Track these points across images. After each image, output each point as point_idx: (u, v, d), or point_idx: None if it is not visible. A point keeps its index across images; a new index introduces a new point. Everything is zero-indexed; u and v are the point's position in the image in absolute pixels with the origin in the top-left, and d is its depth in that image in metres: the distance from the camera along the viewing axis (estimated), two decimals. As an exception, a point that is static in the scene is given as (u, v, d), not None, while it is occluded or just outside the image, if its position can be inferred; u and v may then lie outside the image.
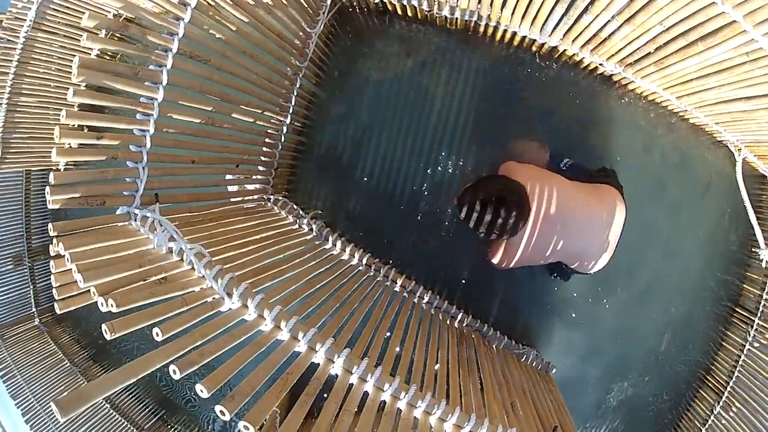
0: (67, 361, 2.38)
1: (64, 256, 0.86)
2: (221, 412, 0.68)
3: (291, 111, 1.63)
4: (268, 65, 1.46)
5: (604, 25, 1.35)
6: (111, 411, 2.26)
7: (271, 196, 1.61)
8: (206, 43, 1.18)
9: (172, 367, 0.71)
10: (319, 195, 1.82)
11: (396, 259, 1.70)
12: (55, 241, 0.89)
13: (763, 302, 1.84)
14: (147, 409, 2.30)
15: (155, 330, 0.77)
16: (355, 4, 1.74)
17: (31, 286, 2.49)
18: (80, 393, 0.63)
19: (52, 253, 0.91)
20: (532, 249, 1.41)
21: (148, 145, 1.09)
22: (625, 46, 1.43)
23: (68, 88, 2.27)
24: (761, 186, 1.88)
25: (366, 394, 0.88)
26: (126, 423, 2.24)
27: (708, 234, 1.87)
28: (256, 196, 1.56)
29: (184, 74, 1.12)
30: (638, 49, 1.42)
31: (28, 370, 2.29)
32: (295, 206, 1.62)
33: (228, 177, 1.46)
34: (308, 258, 1.33)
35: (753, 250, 1.87)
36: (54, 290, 0.94)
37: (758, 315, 1.84)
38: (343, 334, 1.02)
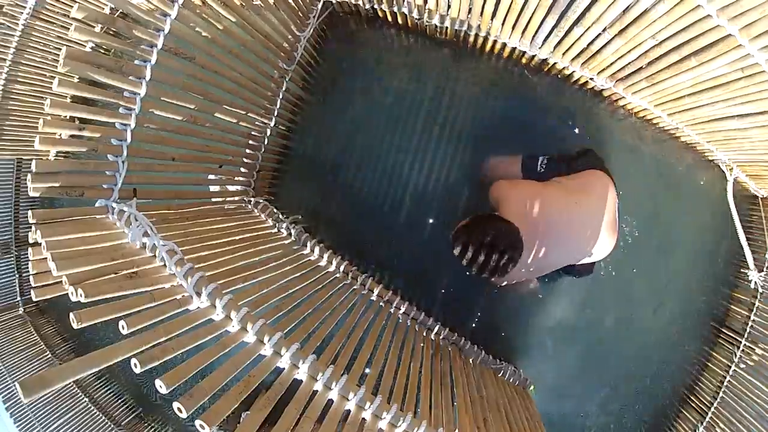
0: (48, 352, 2.40)
1: (41, 243, 0.87)
2: (178, 408, 0.68)
3: (276, 114, 1.63)
4: (253, 66, 1.47)
5: (595, 38, 1.35)
6: (89, 405, 2.26)
7: (252, 199, 1.61)
8: (192, 41, 1.19)
9: (133, 361, 0.71)
10: (300, 200, 1.82)
11: (374, 268, 1.71)
12: (33, 228, 0.91)
13: (750, 323, 1.83)
14: (125, 405, 2.30)
15: (121, 323, 0.77)
16: (346, 9, 1.75)
17: (17, 275, 2.50)
18: (42, 376, 0.64)
19: (30, 241, 0.93)
20: (533, 269, 1.41)
21: (129, 139, 1.10)
22: (616, 61, 1.42)
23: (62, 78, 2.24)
24: (752, 206, 1.87)
25: (330, 402, 0.87)
26: (104, 418, 2.24)
27: (697, 253, 1.86)
28: (236, 198, 1.56)
29: (168, 71, 1.13)
30: (629, 63, 1.41)
31: (10, 358, 2.31)
32: (275, 210, 1.62)
33: (210, 177, 1.46)
34: (284, 262, 1.32)
35: (741, 270, 1.86)
36: (30, 277, 0.95)
37: (745, 336, 1.82)
38: (312, 340, 1.02)
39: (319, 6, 1.63)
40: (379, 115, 1.76)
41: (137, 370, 0.71)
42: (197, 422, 0.68)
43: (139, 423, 2.28)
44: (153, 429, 2.25)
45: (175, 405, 0.69)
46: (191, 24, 1.17)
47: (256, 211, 1.58)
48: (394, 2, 1.55)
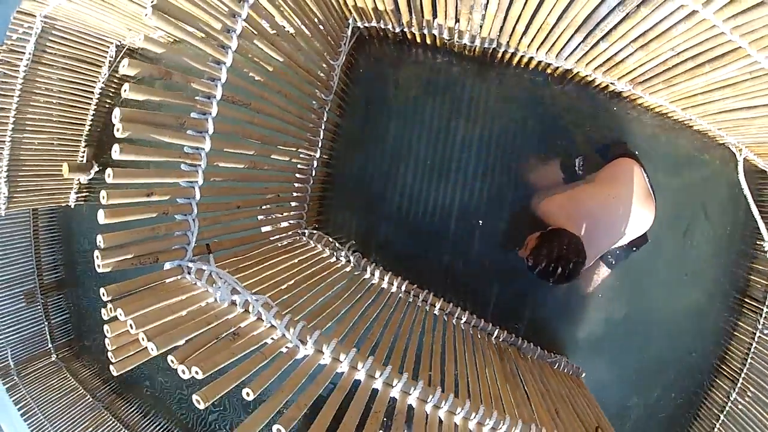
0: (89, 396, 2.41)
1: (119, 318, 0.86)
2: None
3: (320, 145, 1.68)
4: (298, 102, 1.51)
5: (619, 50, 1.44)
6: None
7: (306, 231, 1.67)
8: (245, 86, 1.20)
9: (275, 427, 0.76)
10: (350, 225, 1.91)
11: (428, 283, 1.78)
12: (110, 306, 0.90)
13: (770, 291, 1.97)
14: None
15: (245, 390, 0.81)
16: (373, 33, 1.80)
17: (46, 323, 2.51)
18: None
19: (105, 317, 0.91)
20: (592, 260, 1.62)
21: (198, 196, 1.11)
22: (636, 68, 1.52)
23: (71, 122, 2.29)
24: (762, 181, 2.01)
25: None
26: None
27: (715, 230, 1.99)
28: (290, 232, 1.61)
29: (228, 120, 1.14)
30: (649, 70, 1.51)
31: (48, 407, 2.31)
32: (330, 239, 1.68)
33: (269, 217, 1.51)
34: (355, 291, 1.41)
35: (758, 242, 1.99)
36: (110, 353, 0.92)
37: (766, 303, 1.97)
38: (406, 363, 1.11)
39: (349, 32, 1.68)
40: (415, 133, 1.85)
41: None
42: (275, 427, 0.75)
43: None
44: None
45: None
46: (245, 70, 1.19)
47: (311, 242, 1.64)
48: (425, 24, 1.61)
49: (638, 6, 1.21)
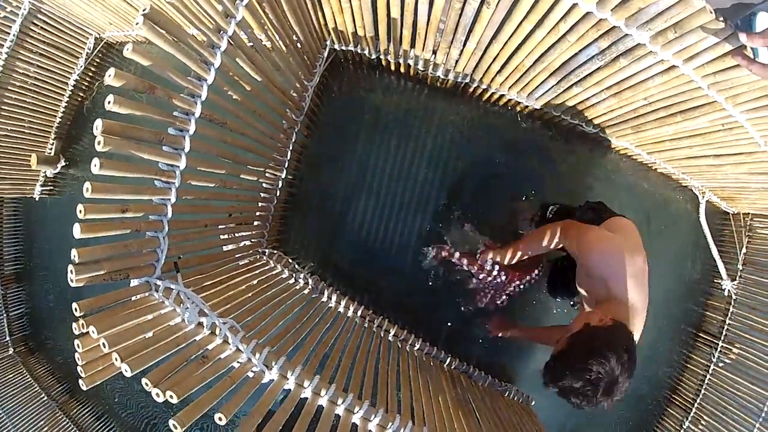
0: (44, 394, 2.40)
1: (89, 334, 0.88)
2: None
3: (286, 165, 1.71)
4: (271, 122, 1.54)
5: (591, 96, 1.50)
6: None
7: (266, 250, 1.69)
8: (224, 105, 1.22)
9: None
10: (309, 246, 1.94)
11: (383, 308, 1.85)
12: (82, 321, 0.91)
13: (726, 326, 2.09)
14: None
15: (217, 415, 0.86)
16: (349, 57, 1.83)
17: (5, 315, 2.47)
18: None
19: (75, 332, 0.93)
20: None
21: (170, 213, 1.12)
22: (606, 113, 1.58)
23: (43, 112, 2.22)
24: (723, 221, 2.13)
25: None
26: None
27: (674, 268, 2.10)
28: (251, 251, 1.63)
29: (204, 139, 1.15)
30: (619, 116, 1.58)
31: (7, 402, 2.31)
32: (290, 260, 1.72)
33: (232, 236, 1.53)
34: (313, 315, 1.46)
35: (715, 281, 2.12)
36: (79, 368, 0.95)
37: (722, 338, 2.09)
38: (365, 389, 1.17)
39: (325, 54, 1.70)
40: (380, 160, 1.89)
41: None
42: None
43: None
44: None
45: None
46: (224, 88, 1.21)
47: (271, 262, 1.66)
48: (402, 54, 1.65)
49: (618, 57, 1.25)
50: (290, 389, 1.01)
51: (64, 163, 2.34)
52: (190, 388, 0.87)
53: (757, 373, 1.95)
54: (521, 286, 1.75)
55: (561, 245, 1.40)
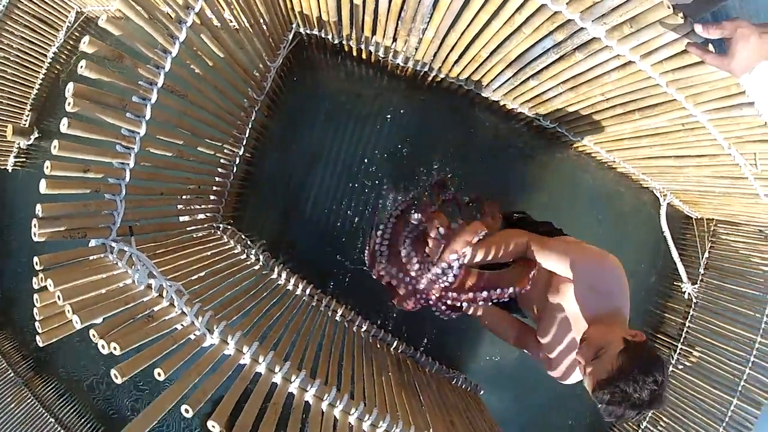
0: (11, 371, 2.40)
1: (48, 288, 0.94)
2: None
3: (244, 142, 1.76)
4: (230, 98, 1.59)
5: (548, 89, 1.53)
6: (55, 425, 2.29)
7: (220, 225, 1.74)
8: (185, 78, 1.27)
9: (184, 407, 0.85)
10: (263, 224, 2.00)
11: (331, 289, 1.91)
12: (41, 275, 0.97)
13: (686, 329, 2.15)
14: (89, 424, 2.36)
15: (157, 370, 0.90)
16: (313, 41, 1.88)
17: (-27, 288, 2.45)
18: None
19: (35, 286, 0.99)
20: None
21: (128, 178, 1.17)
22: (563, 107, 1.62)
23: (21, 83, 2.24)
24: (685, 225, 2.18)
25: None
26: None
27: (633, 270, 2.14)
28: (206, 225, 1.68)
29: (165, 108, 1.21)
30: (576, 111, 1.62)
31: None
32: (243, 236, 1.77)
33: (188, 207, 1.57)
34: (261, 289, 1.50)
35: (675, 283, 2.17)
36: (37, 323, 1.00)
37: (681, 340, 2.14)
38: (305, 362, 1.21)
39: (290, 37, 1.75)
40: (336, 143, 1.96)
41: (188, 415, 0.85)
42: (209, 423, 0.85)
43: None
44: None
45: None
46: (187, 61, 1.26)
47: (225, 237, 1.71)
48: (363, 40, 1.70)
49: (574, 50, 1.28)
50: (230, 354, 1.04)
51: (37, 135, 2.35)
52: (134, 342, 0.92)
53: (719, 377, 2.00)
54: (464, 303, 1.30)
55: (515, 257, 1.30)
